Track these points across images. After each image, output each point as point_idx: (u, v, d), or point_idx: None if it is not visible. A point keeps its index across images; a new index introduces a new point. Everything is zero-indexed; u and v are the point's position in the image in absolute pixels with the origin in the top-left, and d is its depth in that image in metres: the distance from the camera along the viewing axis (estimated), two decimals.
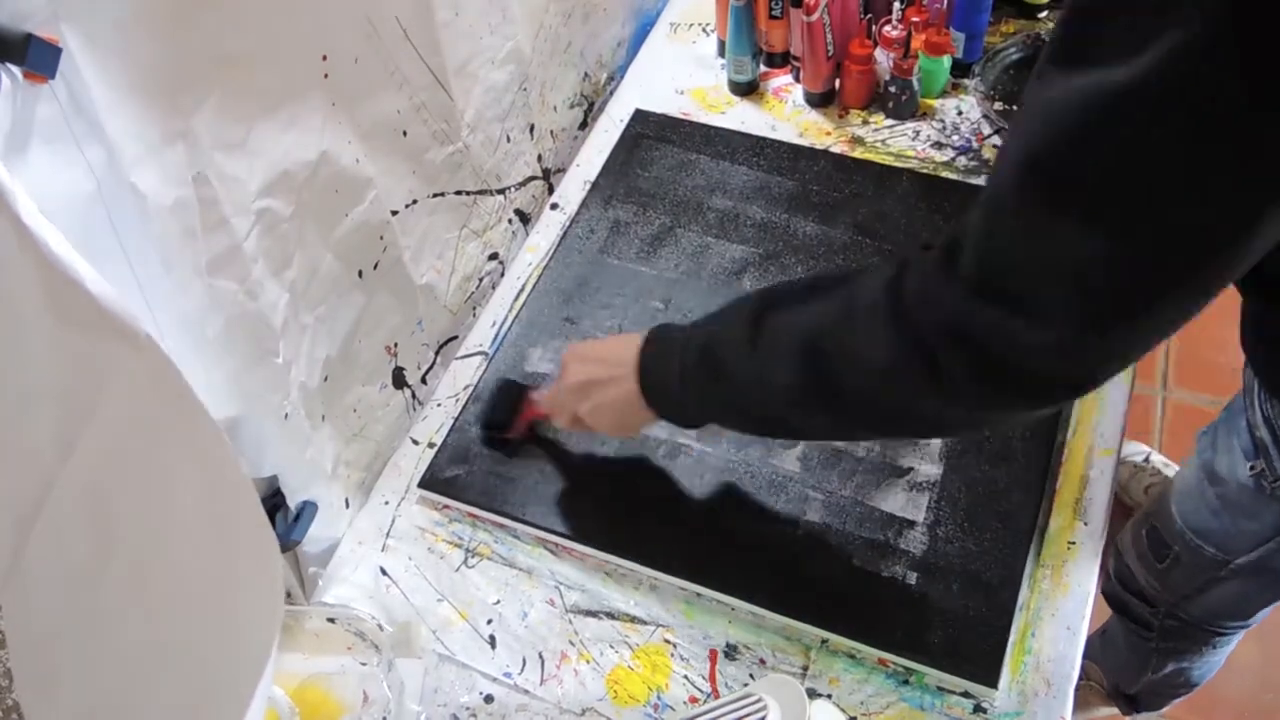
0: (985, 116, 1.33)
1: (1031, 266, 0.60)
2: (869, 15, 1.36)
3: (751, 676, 0.95)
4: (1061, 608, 0.96)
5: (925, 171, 1.28)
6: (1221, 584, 1.10)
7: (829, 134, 1.35)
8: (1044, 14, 1.44)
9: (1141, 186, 0.54)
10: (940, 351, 0.65)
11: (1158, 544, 1.16)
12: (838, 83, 1.37)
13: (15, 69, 0.59)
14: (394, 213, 1.03)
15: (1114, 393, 1.08)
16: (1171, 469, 1.72)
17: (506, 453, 1.07)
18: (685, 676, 0.96)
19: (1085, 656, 0.96)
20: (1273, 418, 0.93)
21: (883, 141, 1.33)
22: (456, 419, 1.11)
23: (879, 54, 1.35)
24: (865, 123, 1.36)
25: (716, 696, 0.94)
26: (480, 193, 1.20)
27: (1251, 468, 0.98)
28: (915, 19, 1.32)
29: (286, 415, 0.91)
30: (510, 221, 1.29)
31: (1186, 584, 1.15)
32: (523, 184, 1.30)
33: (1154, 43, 0.50)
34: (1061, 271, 0.59)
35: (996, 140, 1.31)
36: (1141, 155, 0.53)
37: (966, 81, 1.36)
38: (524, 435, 1.07)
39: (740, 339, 0.78)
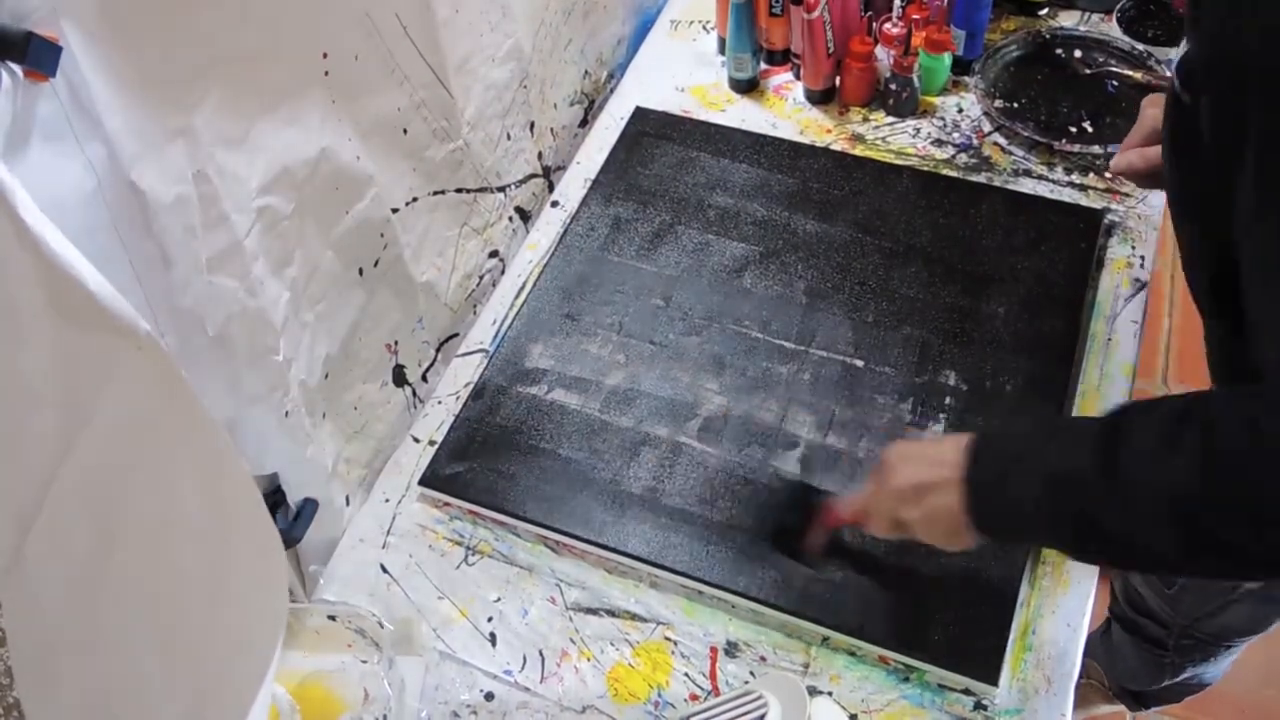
0: (986, 114, 1.33)
1: None
2: (869, 13, 1.36)
3: (752, 674, 0.95)
4: (1062, 605, 0.96)
5: (926, 169, 1.28)
6: (1234, 606, 1.10)
7: (829, 131, 1.35)
8: (1044, 11, 1.44)
9: None
10: None
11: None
12: (838, 80, 1.37)
13: (16, 67, 0.59)
14: (394, 210, 1.03)
15: (1114, 390, 1.08)
16: None
17: (803, 561, 0.97)
18: (686, 674, 0.96)
19: (1087, 655, 0.96)
20: None
21: (883, 139, 1.33)
22: (457, 416, 1.11)
23: (879, 51, 1.35)
24: (866, 120, 1.36)
25: (717, 694, 0.94)
26: (481, 190, 1.20)
27: None
28: (916, 16, 1.32)
29: (287, 413, 0.91)
30: (511, 219, 1.29)
31: (1198, 608, 1.14)
32: (523, 181, 1.30)
33: None
34: None
35: (997, 137, 1.31)
36: None
37: (967, 79, 1.36)
38: (822, 544, 0.95)
39: (1092, 484, 0.69)
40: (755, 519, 1.00)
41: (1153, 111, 0.95)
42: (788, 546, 0.97)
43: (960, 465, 0.77)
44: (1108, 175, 1.26)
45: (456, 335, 1.22)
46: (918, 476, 0.80)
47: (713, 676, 0.95)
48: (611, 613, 1.00)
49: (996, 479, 0.75)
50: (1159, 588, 1.17)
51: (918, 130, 1.33)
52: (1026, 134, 1.28)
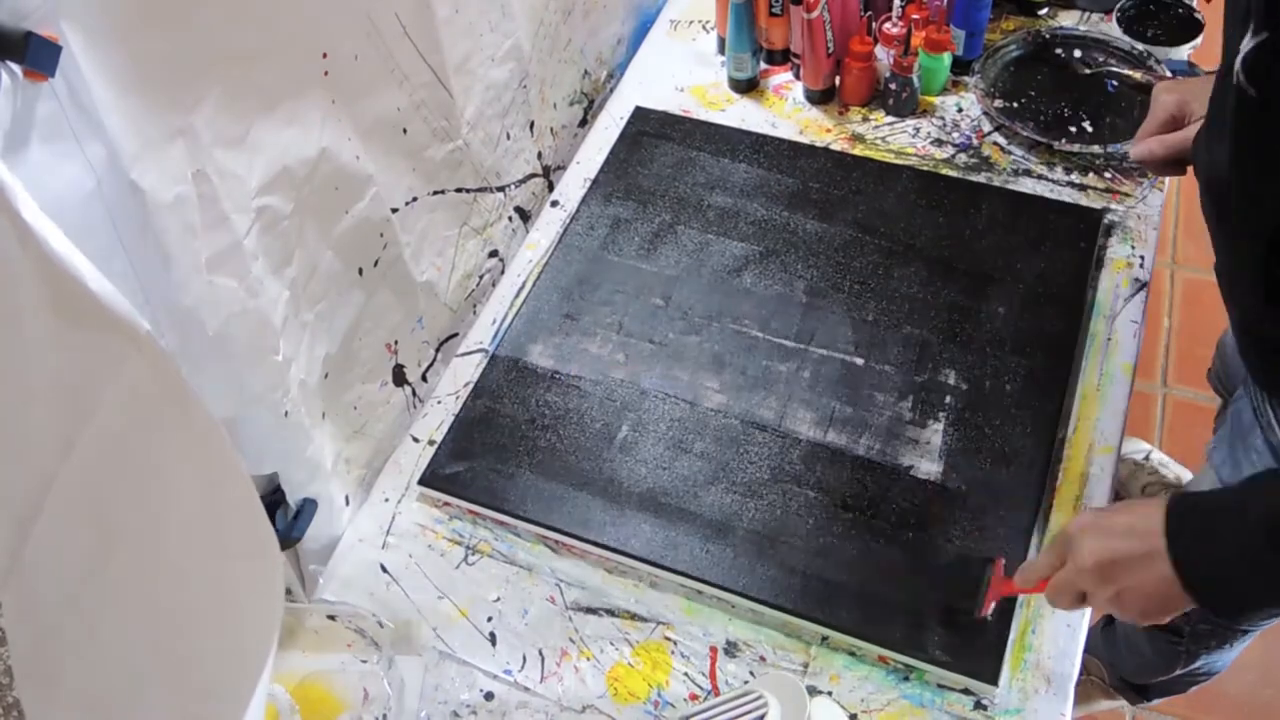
0: (985, 114, 1.33)
1: None
2: (869, 12, 1.36)
3: (752, 673, 0.95)
4: None
5: (925, 169, 1.28)
6: None
7: (829, 131, 1.35)
8: (1044, 11, 1.44)
9: None
10: None
11: None
12: (838, 80, 1.37)
13: (15, 67, 0.59)
14: (394, 210, 1.03)
15: (1114, 390, 1.08)
16: (1170, 469, 1.72)
17: (972, 624, 0.93)
18: (685, 673, 0.96)
19: (1086, 651, 0.96)
20: None
21: (883, 139, 1.33)
22: (456, 416, 1.11)
23: (879, 51, 1.35)
24: (865, 120, 1.36)
25: (717, 693, 0.94)
26: (480, 190, 1.20)
27: None
28: (915, 16, 1.32)
29: (286, 413, 0.91)
30: (510, 219, 1.29)
31: None
32: (523, 181, 1.30)
33: None
34: None
35: (997, 137, 1.31)
36: None
37: (967, 79, 1.36)
38: (992, 612, 0.92)
39: None
40: (916, 583, 0.97)
41: (1166, 99, 0.95)
42: (954, 614, 0.94)
43: (1161, 532, 0.73)
44: (1107, 175, 1.26)
45: (456, 335, 1.22)
46: (1112, 552, 0.76)
47: (712, 676, 0.95)
48: (611, 612, 1.00)
49: (1206, 535, 0.72)
50: None
51: (917, 130, 1.34)
52: (1026, 134, 1.29)
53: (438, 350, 1.19)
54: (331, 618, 0.98)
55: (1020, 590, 0.88)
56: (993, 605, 0.91)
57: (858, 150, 1.32)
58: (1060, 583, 0.81)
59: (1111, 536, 0.77)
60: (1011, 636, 0.93)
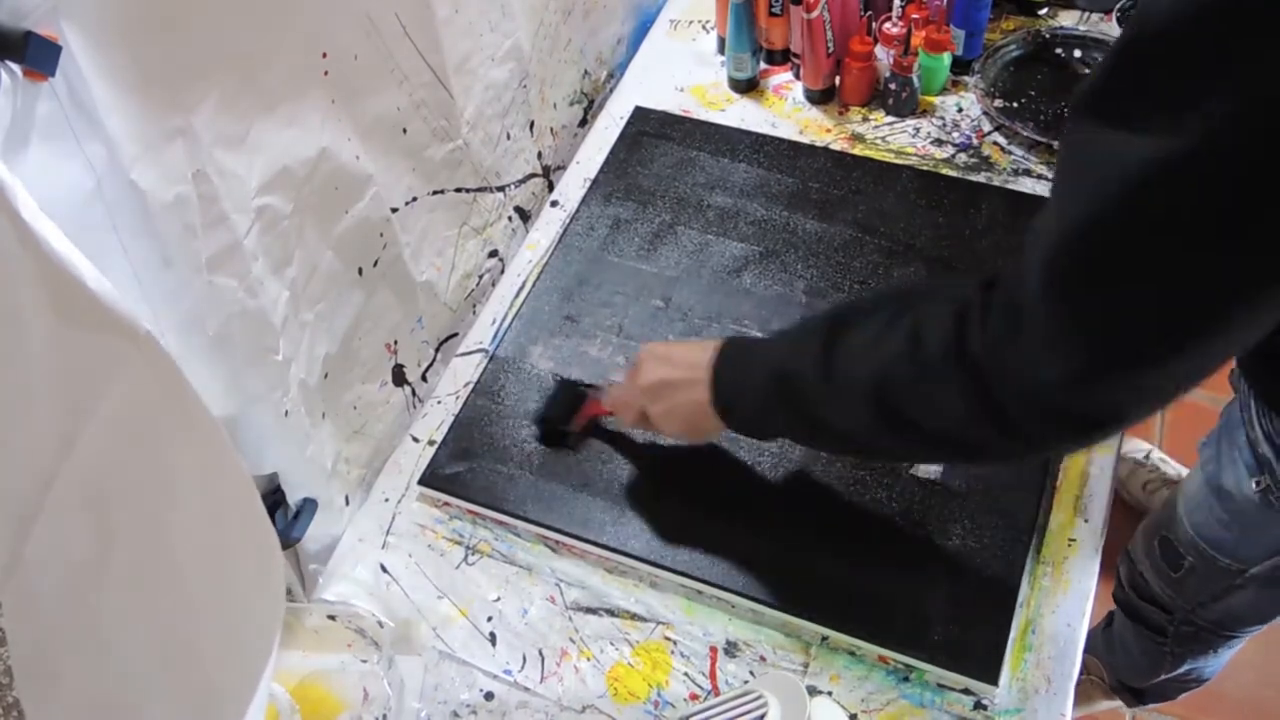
0: (985, 113, 1.33)
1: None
2: (869, 12, 1.36)
3: (752, 673, 0.95)
4: (1062, 604, 0.96)
5: (925, 168, 1.28)
6: (1238, 591, 1.09)
7: (829, 131, 1.35)
8: (1044, 11, 1.44)
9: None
10: (1010, 406, 0.67)
11: (1171, 554, 1.15)
12: (838, 80, 1.37)
13: (15, 66, 0.59)
14: (394, 210, 1.03)
15: None
16: (1170, 466, 1.72)
17: (566, 446, 1.07)
18: (686, 673, 0.96)
19: (1087, 651, 0.96)
20: (1273, 434, 0.93)
21: (883, 138, 1.33)
22: (456, 416, 1.11)
23: (879, 51, 1.35)
24: (865, 120, 1.36)
25: (717, 693, 0.94)
26: (480, 190, 1.20)
27: (1257, 483, 0.98)
28: (915, 16, 1.32)
29: (286, 412, 0.91)
30: (510, 219, 1.29)
31: (1202, 591, 1.14)
32: (523, 181, 1.30)
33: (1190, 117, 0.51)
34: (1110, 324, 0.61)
35: (997, 137, 1.31)
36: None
37: (966, 78, 1.36)
38: (584, 431, 1.07)
39: (811, 369, 0.78)
40: (533, 414, 1.10)
41: None
42: (555, 435, 1.07)
43: (710, 364, 0.86)
44: None
45: (456, 335, 1.22)
46: (666, 375, 0.90)
47: (712, 676, 0.95)
48: (611, 612, 1.00)
49: (735, 367, 0.85)
50: (1165, 572, 1.17)
51: (917, 130, 1.34)
52: (1026, 133, 1.29)
53: (438, 350, 1.19)
54: (331, 618, 0.98)
55: (603, 410, 1.03)
56: (585, 421, 1.06)
57: (858, 150, 1.32)
58: (623, 399, 0.97)
59: (669, 363, 0.90)
60: (1011, 636, 0.93)
